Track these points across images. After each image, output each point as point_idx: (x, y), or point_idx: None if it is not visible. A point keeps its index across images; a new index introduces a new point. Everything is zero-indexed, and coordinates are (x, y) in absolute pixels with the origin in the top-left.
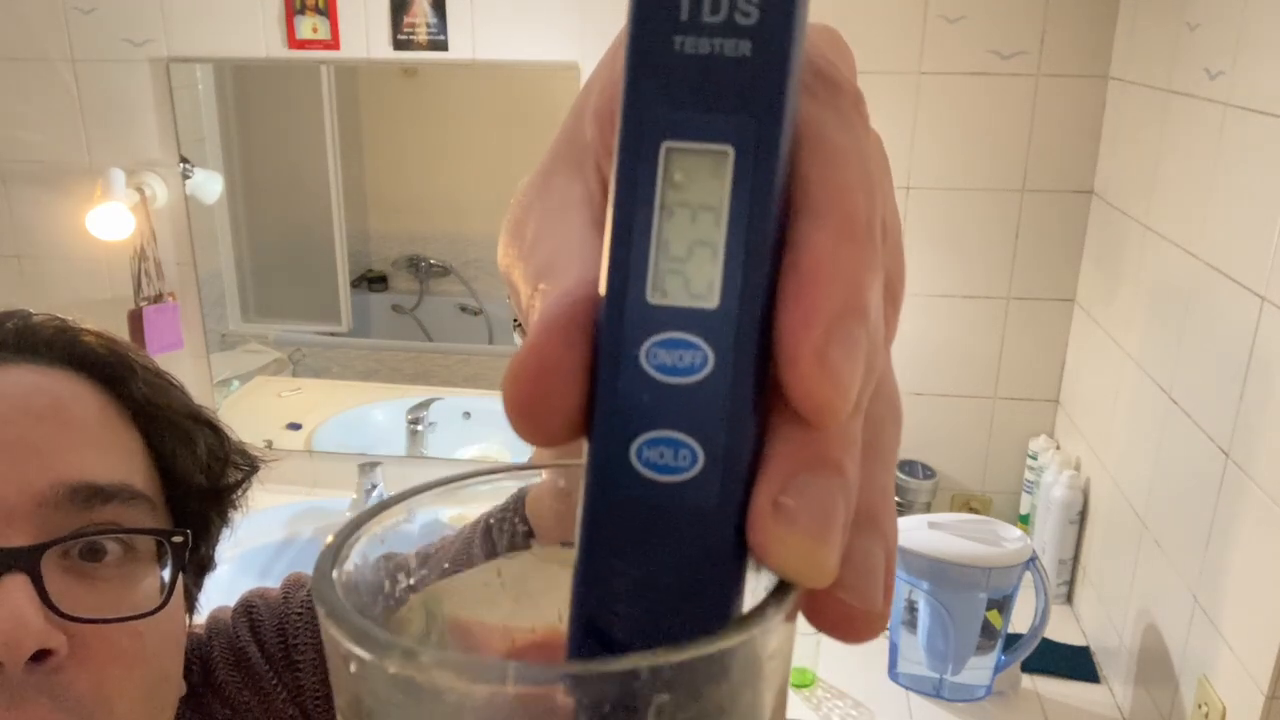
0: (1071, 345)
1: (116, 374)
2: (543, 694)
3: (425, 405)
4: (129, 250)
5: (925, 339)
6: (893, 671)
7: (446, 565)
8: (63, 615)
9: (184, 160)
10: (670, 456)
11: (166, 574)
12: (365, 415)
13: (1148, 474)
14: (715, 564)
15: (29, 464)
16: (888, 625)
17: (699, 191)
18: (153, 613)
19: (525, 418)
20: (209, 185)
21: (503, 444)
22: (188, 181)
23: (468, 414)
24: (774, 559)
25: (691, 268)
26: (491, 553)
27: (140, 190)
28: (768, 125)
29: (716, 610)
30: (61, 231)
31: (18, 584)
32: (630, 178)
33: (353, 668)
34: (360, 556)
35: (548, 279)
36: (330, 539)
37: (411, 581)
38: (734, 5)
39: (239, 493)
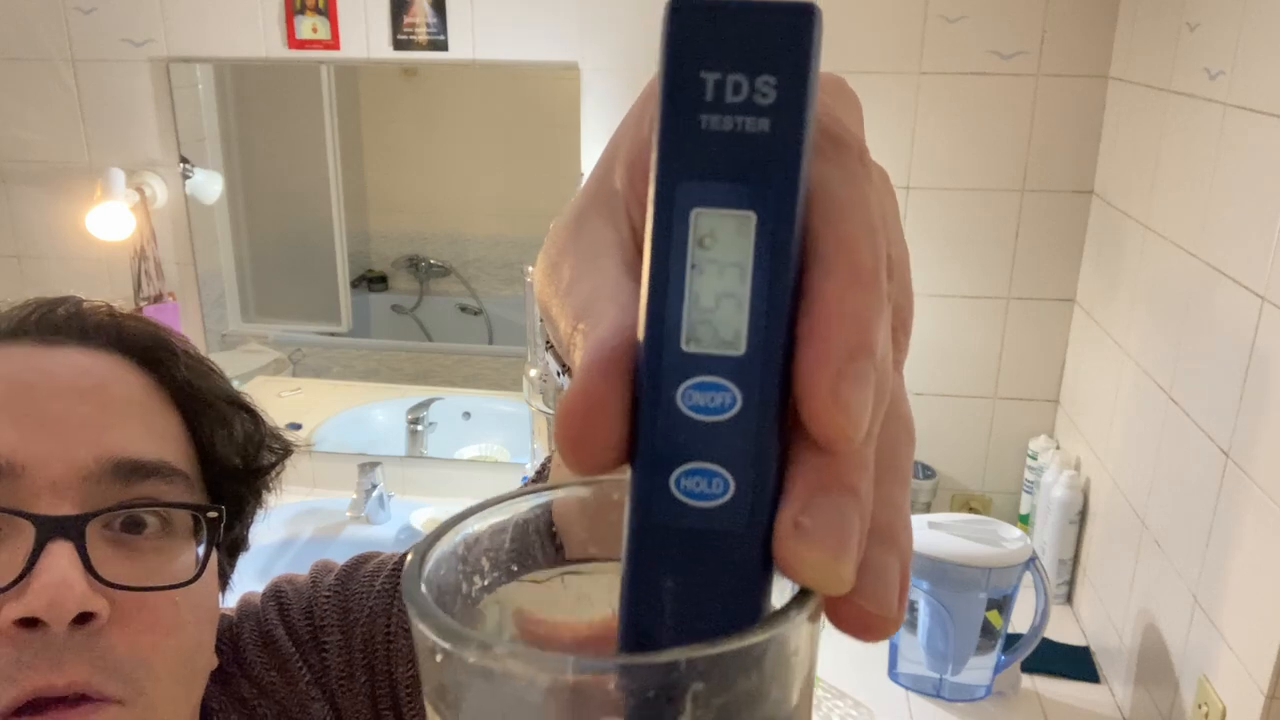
0: (1071, 345)
1: (159, 358)
2: (596, 681)
3: (425, 405)
4: (129, 250)
5: (925, 339)
6: (893, 671)
7: (515, 569)
8: (105, 582)
9: (184, 160)
10: (705, 485)
11: (202, 549)
12: (365, 415)
13: (1148, 474)
14: (745, 576)
15: (75, 439)
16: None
17: (725, 251)
18: (188, 583)
19: (575, 452)
20: (209, 185)
21: (502, 444)
22: (188, 181)
23: (468, 414)
24: (796, 573)
25: (720, 318)
26: (551, 557)
27: (140, 190)
28: (785, 193)
29: (746, 614)
30: (61, 231)
31: (64, 550)
32: (664, 239)
33: (439, 658)
34: (440, 562)
35: (586, 319)
36: (412, 551)
37: (485, 583)
38: (753, 88)
39: (273, 475)
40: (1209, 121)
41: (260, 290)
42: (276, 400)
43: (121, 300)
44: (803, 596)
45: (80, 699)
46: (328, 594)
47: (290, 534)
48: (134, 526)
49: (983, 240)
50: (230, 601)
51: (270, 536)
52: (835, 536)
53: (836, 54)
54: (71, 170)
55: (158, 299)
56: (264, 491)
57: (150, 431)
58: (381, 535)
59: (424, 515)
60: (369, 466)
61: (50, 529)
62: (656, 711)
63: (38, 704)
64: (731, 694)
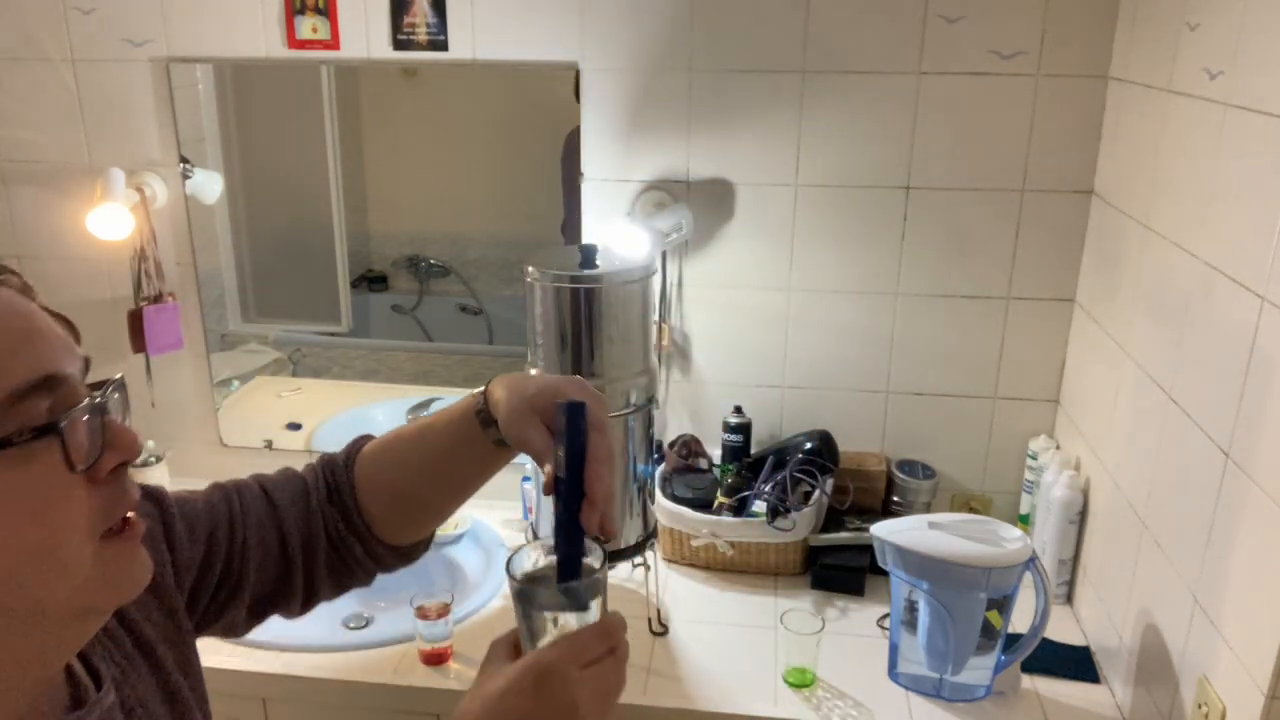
0: (1071, 345)
1: (28, 286)
2: (539, 585)
3: (425, 405)
4: (129, 250)
5: (925, 339)
6: (893, 671)
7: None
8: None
9: (184, 160)
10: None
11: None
12: (365, 415)
13: (1148, 474)
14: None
15: (68, 351)
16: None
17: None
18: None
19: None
20: (209, 185)
21: None
22: (188, 181)
23: None
24: (606, 536)
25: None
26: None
27: (140, 190)
28: (577, 460)
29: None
30: (61, 231)
31: (115, 418)
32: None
33: (510, 583)
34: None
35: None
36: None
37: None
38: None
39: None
40: (1209, 121)
41: (260, 290)
42: (276, 400)
43: (120, 300)
44: (602, 563)
45: (130, 517)
46: (204, 505)
47: None
48: None
49: (983, 240)
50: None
51: None
52: (613, 525)
53: (837, 54)
54: (71, 170)
55: (158, 299)
56: None
57: None
58: None
59: None
60: None
61: (100, 408)
62: (555, 602)
63: (121, 523)
64: (576, 593)
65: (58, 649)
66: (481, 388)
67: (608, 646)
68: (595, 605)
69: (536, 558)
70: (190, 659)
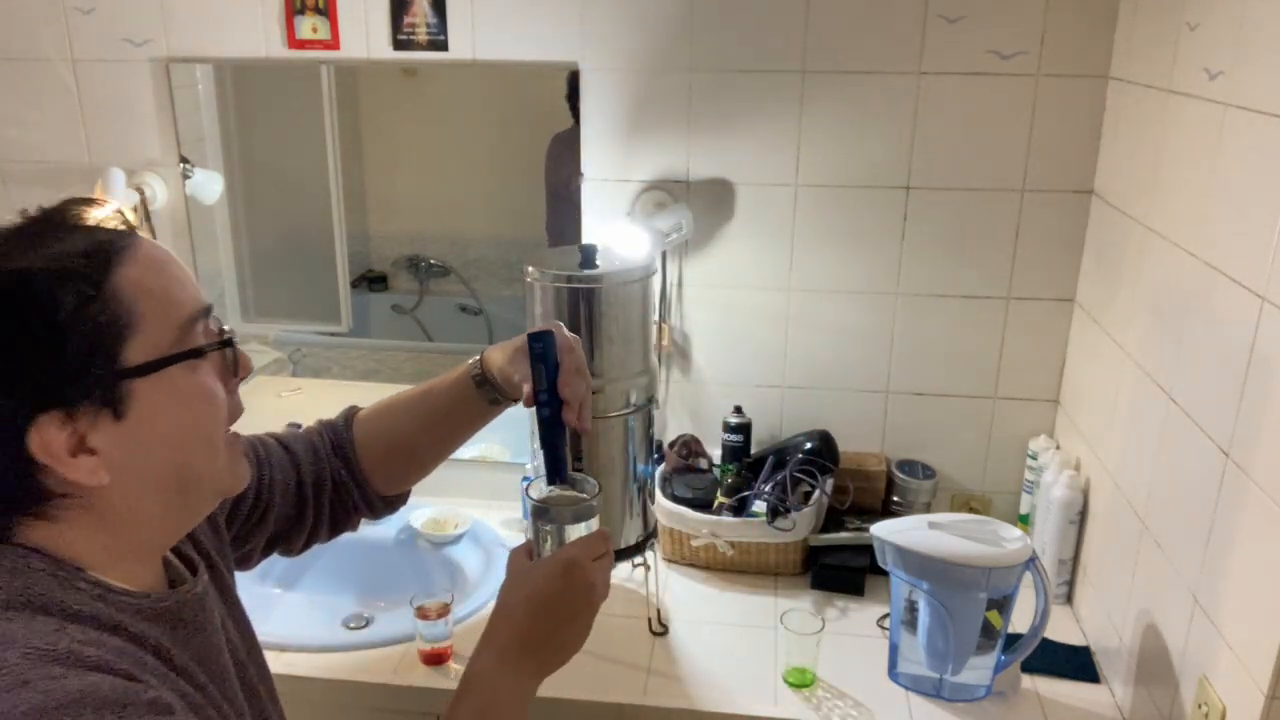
0: (1071, 345)
1: None
2: (547, 504)
3: None
4: None
5: (925, 339)
6: (893, 671)
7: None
8: None
9: (184, 160)
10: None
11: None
12: None
13: (1148, 474)
14: (561, 450)
15: (196, 283)
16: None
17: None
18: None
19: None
20: (209, 185)
21: (502, 444)
22: (188, 181)
23: None
24: (582, 431)
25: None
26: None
27: (140, 190)
28: (551, 374)
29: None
30: None
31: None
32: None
33: (529, 504)
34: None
35: None
36: (529, 491)
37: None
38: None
39: None
40: (1209, 121)
41: (260, 290)
42: (276, 400)
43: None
44: (594, 494)
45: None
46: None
47: None
48: None
49: (983, 240)
50: None
51: None
52: (588, 422)
53: (837, 54)
54: (71, 170)
55: None
56: None
57: None
58: (382, 535)
59: (424, 515)
60: None
61: (231, 338)
62: (565, 516)
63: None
64: (565, 510)
65: (189, 522)
66: (476, 357)
67: (605, 548)
68: (593, 521)
69: (544, 485)
70: (232, 566)
